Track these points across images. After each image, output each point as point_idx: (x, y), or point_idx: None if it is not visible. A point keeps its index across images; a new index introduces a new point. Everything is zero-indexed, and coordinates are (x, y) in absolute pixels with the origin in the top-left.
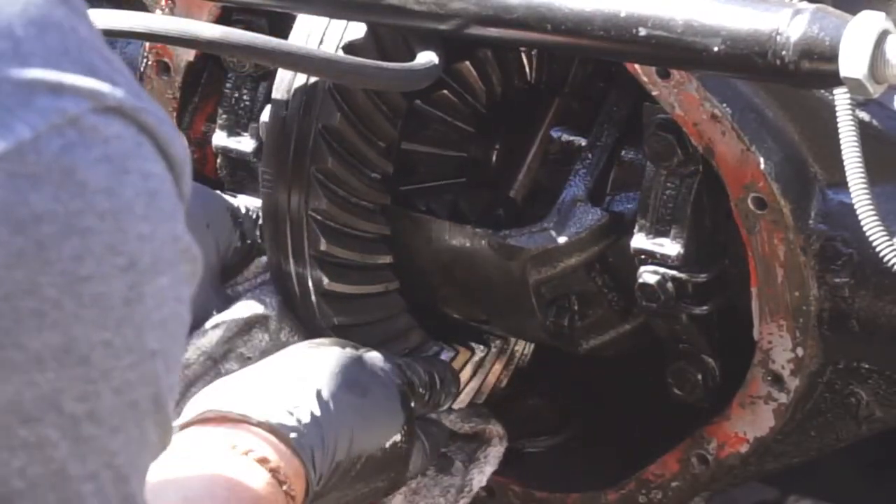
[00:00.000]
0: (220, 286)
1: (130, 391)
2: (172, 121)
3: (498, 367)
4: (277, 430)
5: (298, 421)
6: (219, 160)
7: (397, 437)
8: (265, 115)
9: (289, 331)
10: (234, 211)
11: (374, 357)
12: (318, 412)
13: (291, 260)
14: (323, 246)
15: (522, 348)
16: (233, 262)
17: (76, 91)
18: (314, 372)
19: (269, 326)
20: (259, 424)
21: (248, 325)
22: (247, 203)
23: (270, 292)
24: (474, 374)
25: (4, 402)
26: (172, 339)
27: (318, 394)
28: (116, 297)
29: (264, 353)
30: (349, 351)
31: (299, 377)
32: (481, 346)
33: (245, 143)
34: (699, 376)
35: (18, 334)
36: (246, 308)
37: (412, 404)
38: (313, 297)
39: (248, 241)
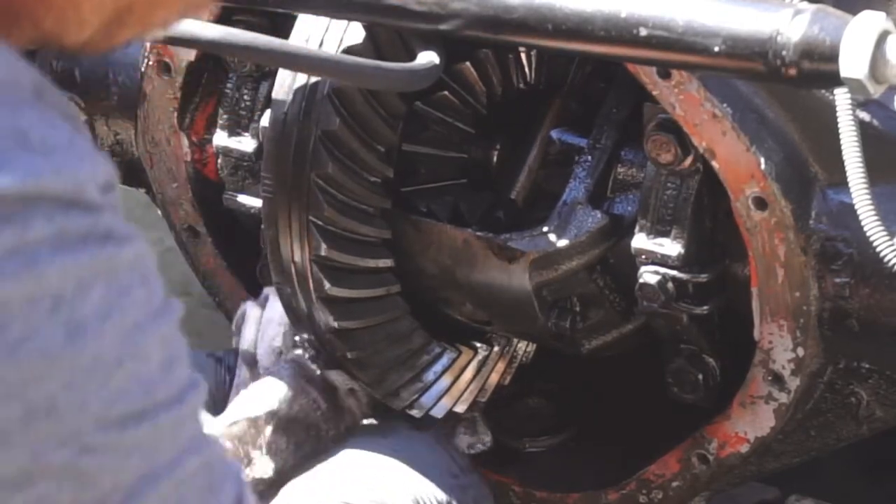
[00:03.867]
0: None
1: None
2: None
3: (501, 365)
4: None
5: None
6: (219, 160)
7: None
8: (265, 120)
9: (299, 409)
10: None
11: None
12: None
13: (293, 265)
14: (323, 251)
15: (525, 346)
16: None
17: None
18: None
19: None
20: None
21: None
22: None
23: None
24: (477, 373)
25: None
26: None
27: None
28: None
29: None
30: None
31: None
32: (484, 346)
33: (246, 143)
34: (700, 376)
35: None
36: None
37: None
38: (315, 302)
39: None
